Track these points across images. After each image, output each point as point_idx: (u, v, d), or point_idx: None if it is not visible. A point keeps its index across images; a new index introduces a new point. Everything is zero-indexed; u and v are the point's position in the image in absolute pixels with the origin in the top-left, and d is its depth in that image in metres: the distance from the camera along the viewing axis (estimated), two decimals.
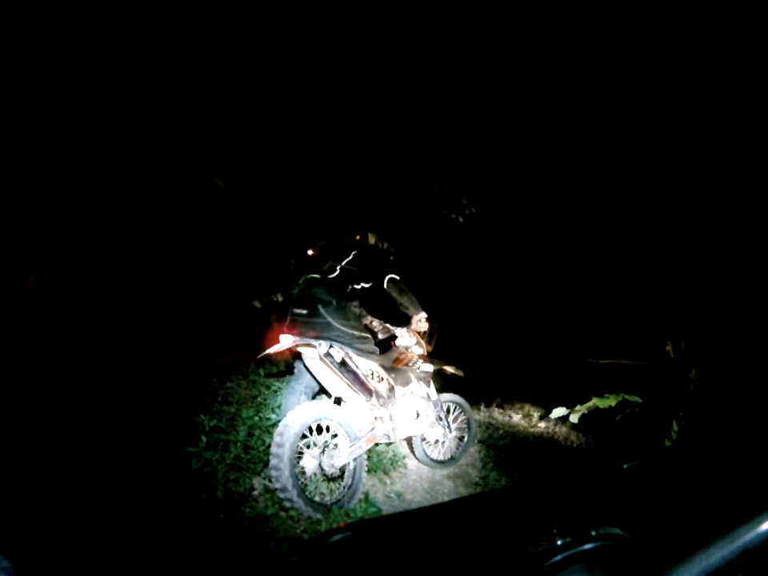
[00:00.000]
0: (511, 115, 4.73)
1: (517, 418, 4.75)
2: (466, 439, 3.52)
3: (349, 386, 2.72)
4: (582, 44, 3.50)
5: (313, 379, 2.97)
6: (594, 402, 2.47)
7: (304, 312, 2.77)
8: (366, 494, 2.73)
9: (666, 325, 3.30)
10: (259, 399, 3.69)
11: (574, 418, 2.41)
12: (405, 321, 3.29)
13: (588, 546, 0.54)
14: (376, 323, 3.36)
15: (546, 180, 5.35)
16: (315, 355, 2.64)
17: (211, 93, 4.24)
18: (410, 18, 4.04)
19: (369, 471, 3.12)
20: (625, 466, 0.52)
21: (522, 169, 5.53)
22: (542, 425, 4.63)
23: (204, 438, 2.67)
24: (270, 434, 3.08)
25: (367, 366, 2.85)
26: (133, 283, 4.76)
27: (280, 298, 5.21)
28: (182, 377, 3.83)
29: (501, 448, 3.83)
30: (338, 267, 2.89)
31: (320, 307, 2.74)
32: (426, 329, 3.18)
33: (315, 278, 2.89)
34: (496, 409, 4.88)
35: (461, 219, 6.47)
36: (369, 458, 3.17)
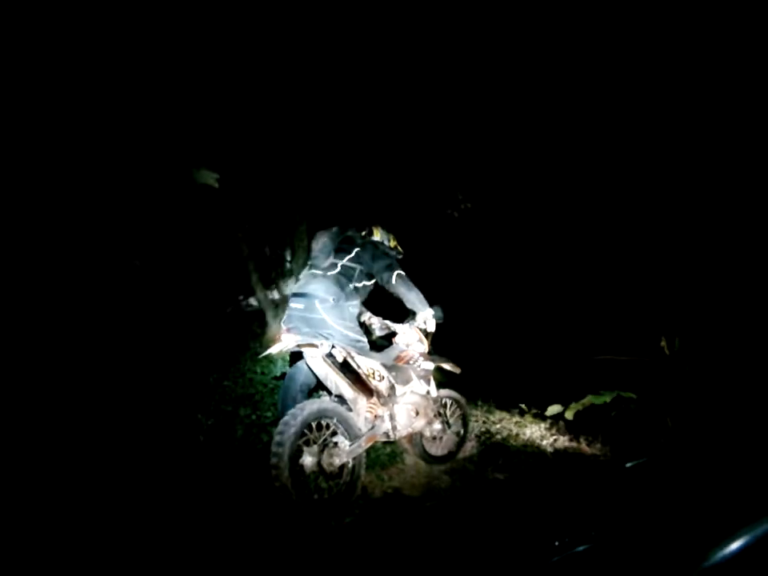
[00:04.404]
0: (511, 111, 4.73)
1: (513, 414, 4.78)
2: (462, 435, 3.54)
3: (350, 385, 2.70)
4: (582, 42, 3.49)
5: (309, 376, 2.97)
6: (589, 398, 2.49)
7: (301, 307, 2.76)
8: (366, 490, 2.74)
9: (660, 321, 3.33)
10: (257, 397, 3.69)
11: (569, 415, 2.43)
12: (406, 318, 3.28)
13: (588, 546, 0.54)
14: (375, 320, 3.33)
15: (545, 176, 5.36)
16: (317, 354, 2.63)
17: (211, 89, 4.19)
18: (410, 15, 4.01)
19: (367, 467, 3.13)
20: (627, 465, 0.53)
21: (522, 165, 5.53)
22: (538, 421, 4.66)
23: (202, 437, 2.68)
24: (268, 432, 3.09)
25: (368, 366, 2.83)
26: (130, 281, 4.73)
27: (276, 295, 5.19)
28: (180, 376, 3.82)
29: (498, 444, 3.86)
30: (340, 264, 2.88)
31: (317, 303, 2.72)
32: (434, 329, 3.12)
33: (315, 273, 2.88)
34: (493, 405, 4.91)
35: (456, 214, 6.47)
36: (367, 454, 3.19)
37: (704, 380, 2.86)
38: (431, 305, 3.06)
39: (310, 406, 2.50)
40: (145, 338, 4.37)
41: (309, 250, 3.14)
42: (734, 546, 0.42)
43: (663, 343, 3.21)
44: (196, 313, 5.05)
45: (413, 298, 2.97)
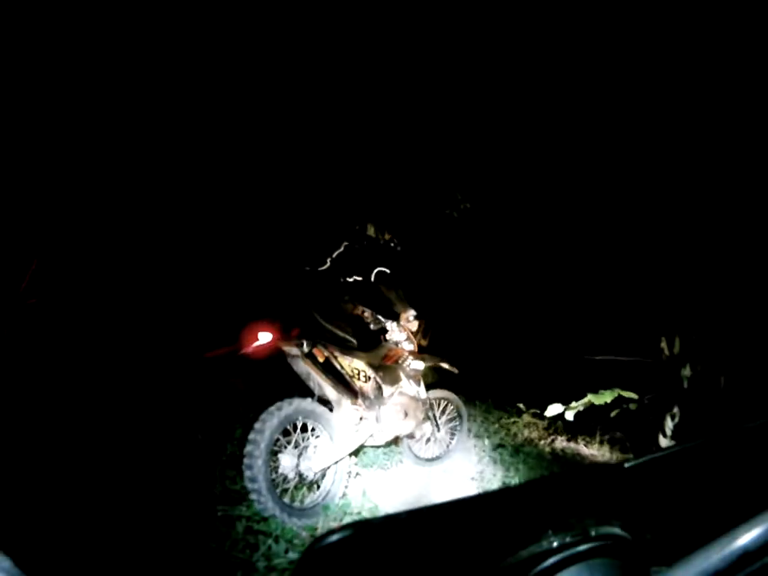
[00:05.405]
0: (508, 109, 4.72)
1: (512, 414, 4.78)
2: (456, 436, 3.50)
3: (333, 386, 2.60)
4: (581, 41, 3.48)
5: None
6: (590, 398, 2.48)
7: (292, 306, 2.74)
8: (364, 490, 2.74)
9: (660, 321, 3.32)
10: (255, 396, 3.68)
11: (569, 415, 2.42)
12: (396, 315, 3.24)
13: (588, 546, 0.53)
14: (367, 313, 3.19)
15: (545, 176, 5.35)
16: (298, 353, 2.54)
17: (210, 90, 4.19)
18: (407, 15, 4.01)
19: (365, 466, 3.13)
20: (626, 465, 0.52)
21: (519, 164, 5.52)
22: (536, 420, 4.66)
23: (200, 436, 2.67)
24: None
25: (353, 366, 2.74)
26: (127, 282, 4.72)
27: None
28: (179, 375, 3.82)
29: (496, 443, 3.86)
30: (329, 259, 2.84)
31: (307, 302, 2.70)
32: (416, 328, 3.09)
33: (307, 270, 2.86)
34: (491, 405, 4.91)
35: (455, 214, 6.46)
36: (365, 453, 3.18)
37: (704, 380, 2.86)
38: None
39: (287, 408, 2.38)
40: (144, 337, 4.37)
41: (302, 246, 3.13)
42: (734, 546, 0.41)
43: (663, 344, 3.20)
44: (195, 313, 5.04)
45: (392, 296, 2.94)
